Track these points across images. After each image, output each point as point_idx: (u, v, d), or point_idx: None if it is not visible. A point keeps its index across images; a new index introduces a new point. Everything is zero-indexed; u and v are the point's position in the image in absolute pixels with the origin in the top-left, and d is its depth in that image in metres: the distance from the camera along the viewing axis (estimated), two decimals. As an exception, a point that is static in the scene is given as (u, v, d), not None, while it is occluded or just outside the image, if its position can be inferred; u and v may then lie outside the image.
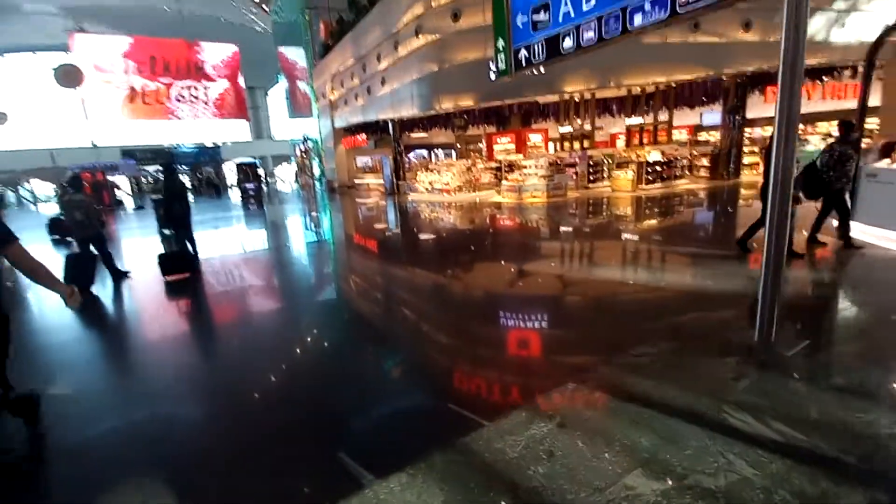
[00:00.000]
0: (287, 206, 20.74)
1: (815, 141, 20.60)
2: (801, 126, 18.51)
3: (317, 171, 34.18)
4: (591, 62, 13.35)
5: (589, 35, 5.65)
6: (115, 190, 27.95)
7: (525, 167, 15.23)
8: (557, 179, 14.41)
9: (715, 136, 23.66)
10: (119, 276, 7.58)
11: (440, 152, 35.39)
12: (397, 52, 16.91)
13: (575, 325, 4.69)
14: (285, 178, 54.71)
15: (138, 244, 11.67)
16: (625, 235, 8.69)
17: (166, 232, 8.39)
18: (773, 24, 14.25)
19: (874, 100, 19.41)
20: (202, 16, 50.11)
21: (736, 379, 2.98)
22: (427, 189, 17.70)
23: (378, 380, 3.65)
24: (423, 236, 10.49)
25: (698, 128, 23.47)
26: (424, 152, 32.33)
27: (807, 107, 20.38)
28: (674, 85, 16.96)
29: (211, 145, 49.42)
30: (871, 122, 20.08)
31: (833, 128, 20.49)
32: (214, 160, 48.75)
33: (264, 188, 41.08)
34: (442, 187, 16.84)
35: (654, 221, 10.19)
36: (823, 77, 16.29)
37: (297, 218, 16.12)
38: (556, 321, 4.75)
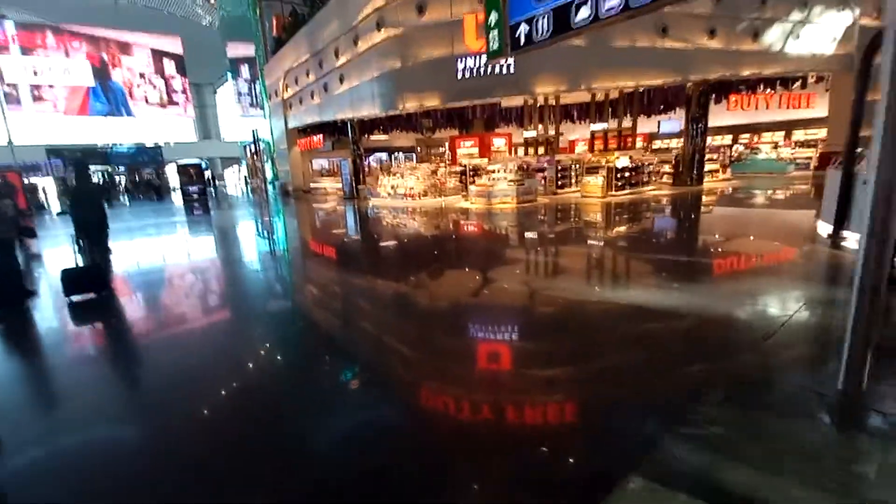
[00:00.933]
0: (236, 211, 19.03)
1: (766, 149, 21.46)
2: (748, 135, 18.95)
3: (269, 174, 32.22)
4: (562, 64, 12.91)
5: (612, 3, 4.52)
6: (36, 193, 24.87)
7: (494, 172, 14.55)
8: (527, 184, 13.81)
9: (670, 144, 24.28)
10: (22, 295, 6.14)
11: (401, 156, 34.43)
12: (357, 48, 15.82)
13: (601, 369, 3.52)
14: (235, 181, 51.73)
15: (56, 255, 9.91)
16: (614, 245, 8.08)
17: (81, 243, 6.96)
18: (735, 32, 14.39)
19: (820, 111, 20.54)
20: (141, 6, 46.69)
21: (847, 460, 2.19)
22: (390, 194, 16.66)
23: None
24: (385, 243, 9.50)
25: (653, 136, 23.88)
26: (384, 156, 31.23)
27: (760, 116, 21.21)
28: (640, 90, 16.93)
29: (152, 145, 45.88)
30: (817, 133, 21.24)
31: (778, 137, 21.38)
32: (155, 161, 45.18)
33: (212, 191, 38.52)
34: (406, 192, 15.86)
35: (638, 230, 9.70)
36: (778, 87, 16.73)
37: (247, 224, 14.62)
38: (570, 363, 3.79)
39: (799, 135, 20.24)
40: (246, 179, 40.49)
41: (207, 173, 46.78)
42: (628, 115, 18.72)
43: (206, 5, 48.69)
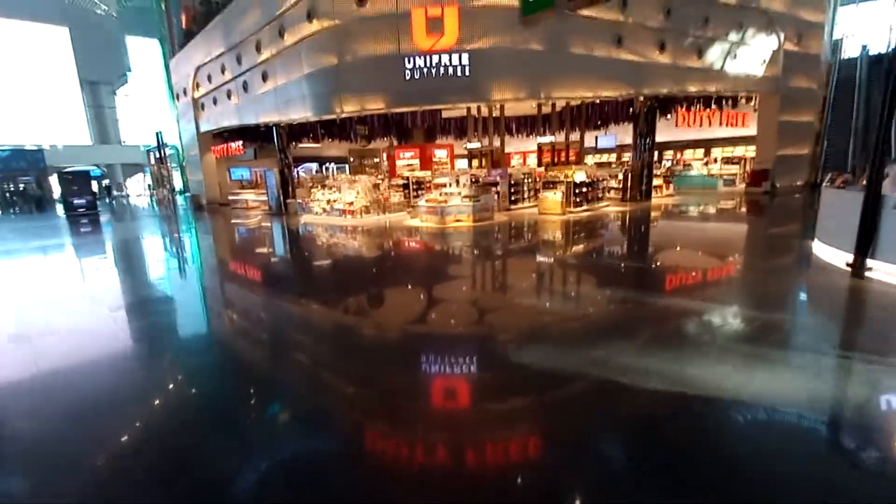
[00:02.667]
0: (134, 229, 15.75)
1: (697, 166, 22.21)
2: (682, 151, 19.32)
3: (179, 184, 28.22)
4: (521, 70, 11.82)
5: None
6: None
7: (444, 186, 13.08)
8: (483, 200, 12.49)
9: (610, 159, 24.50)
10: None
11: (333, 166, 32.06)
12: (283, 41, 13.66)
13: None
14: (140, 190, 45.75)
15: None
16: (622, 280, 6.85)
17: None
18: (683, 48, 14.30)
19: (751, 130, 21.65)
20: (17, -13, 40.13)
21: None
22: (325, 209, 14.54)
23: None
24: (320, 272, 7.57)
25: (586, 151, 23.85)
26: (314, 166, 28.71)
27: (694, 133, 21.89)
28: (586, 103, 16.48)
29: (32, 147, 38.96)
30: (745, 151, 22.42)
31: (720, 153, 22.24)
32: (36, 167, 38.35)
33: (110, 203, 33.24)
34: (344, 208, 13.85)
35: (625, 257, 8.65)
36: (713, 105, 17.09)
37: (148, 244, 11.79)
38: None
39: (736, 151, 21.21)
40: (150, 189, 35.68)
41: (105, 182, 40.79)
42: (575, 128, 18.29)
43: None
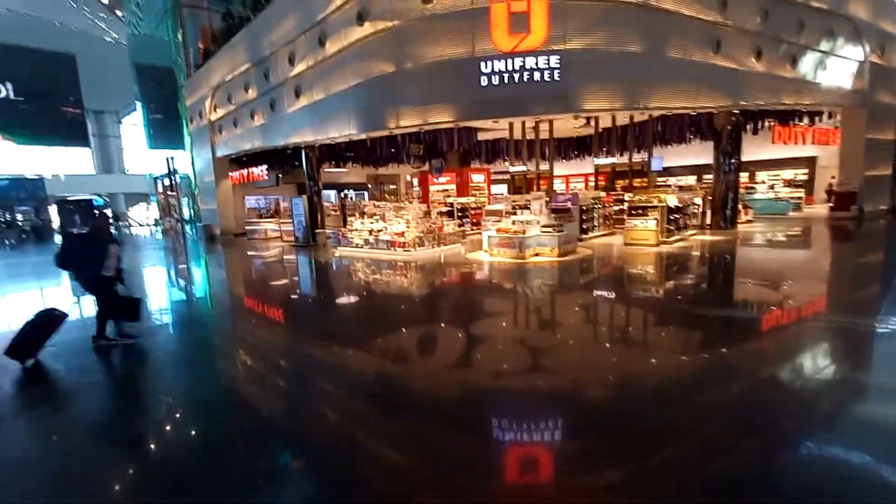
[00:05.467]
0: (141, 258, 13.57)
1: (761, 189, 20.29)
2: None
3: (186, 213, 26.13)
4: (617, 75, 9.92)
5: None
6: None
7: (499, 213, 11.03)
8: (568, 230, 10.39)
9: (667, 181, 22.55)
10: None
11: (351, 193, 30.23)
12: (324, 49, 11.85)
13: None
14: (142, 220, 43.82)
15: None
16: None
17: None
18: (778, 56, 12.56)
19: (807, 149, 19.87)
20: (26, 17, 39.34)
21: None
22: (368, 241, 12.39)
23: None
24: (390, 329, 5.33)
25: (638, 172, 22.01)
26: (332, 193, 26.83)
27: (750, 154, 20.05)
28: (656, 117, 14.64)
29: (33, 177, 37.17)
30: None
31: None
32: (34, 196, 36.45)
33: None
34: (392, 239, 11.71)
35: (789, 302, 6.46)
36: (806, 120, 15.29)
37: (154, 275, 9.60)
38: None
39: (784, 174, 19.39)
40: (158, 219, 33.73)
41: (108, 212, 38.78)
42: (637, 149, 16.44)
43: (111, 18, 42.11)
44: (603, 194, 14.81)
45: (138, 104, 42.07)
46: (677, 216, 11.84)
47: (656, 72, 10.14)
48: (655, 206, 11.12)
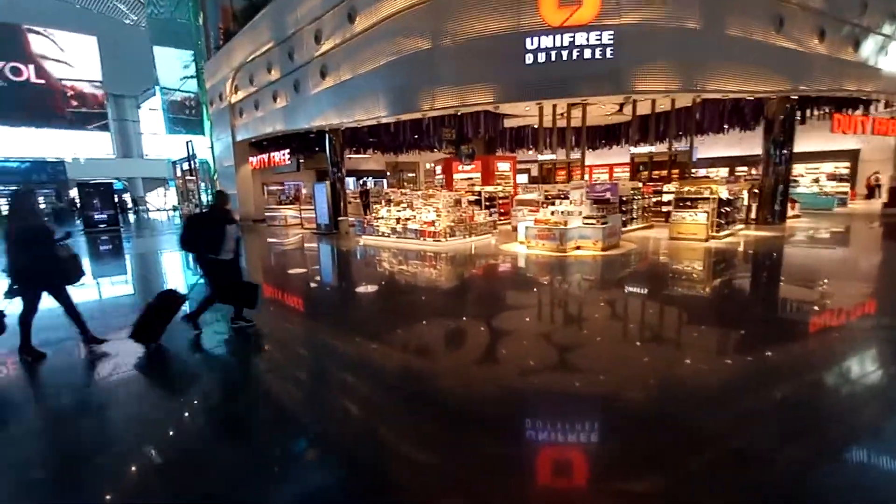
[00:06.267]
0: (160, 248, 13.25)
1: (804, 182, 19.20)
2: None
3: (205, 198, 25.89)
4: (673, 53, 9.12)
5: None
6: None
7: (531, 203, 10.36)
8: (612, 222, 9.70)
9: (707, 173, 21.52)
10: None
11: (370, 181, 29.64)
12: (353, 26, 11.21)
13: None
14: (160, 205, 43.97)
15: None
16: None
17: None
18: (840, 37, 11.58)
19: (847, 142, 18.69)
20: (45, -2, 39.30)
21: None
22: (395, 230, 11.84)
23: None
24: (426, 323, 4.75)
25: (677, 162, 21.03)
26: (351, 181, 26.32)
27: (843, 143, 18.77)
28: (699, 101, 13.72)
29: (54, 160, 37.41)
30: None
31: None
32: (55, 179, 36.70)
33: (131, 217, 31.22)
34: (422, 228, 11.14)
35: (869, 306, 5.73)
36: (861, 108, 14.25)
37: (169, 262, 9.21)
38: None
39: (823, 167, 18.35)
40: (176, 204, 33.65)
41: (126, 196, 38.90)
42: (681, 136, 15.54)
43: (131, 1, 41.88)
44: (641, 185, 14.02)
45: (157, 88, 41.98)
46: (728, 209, 11.05)
47: (714, 51, 9.32)
48: (707, 199, 10.35)
